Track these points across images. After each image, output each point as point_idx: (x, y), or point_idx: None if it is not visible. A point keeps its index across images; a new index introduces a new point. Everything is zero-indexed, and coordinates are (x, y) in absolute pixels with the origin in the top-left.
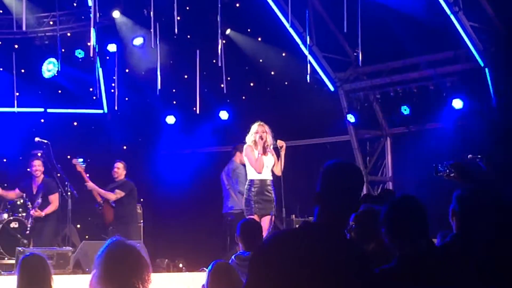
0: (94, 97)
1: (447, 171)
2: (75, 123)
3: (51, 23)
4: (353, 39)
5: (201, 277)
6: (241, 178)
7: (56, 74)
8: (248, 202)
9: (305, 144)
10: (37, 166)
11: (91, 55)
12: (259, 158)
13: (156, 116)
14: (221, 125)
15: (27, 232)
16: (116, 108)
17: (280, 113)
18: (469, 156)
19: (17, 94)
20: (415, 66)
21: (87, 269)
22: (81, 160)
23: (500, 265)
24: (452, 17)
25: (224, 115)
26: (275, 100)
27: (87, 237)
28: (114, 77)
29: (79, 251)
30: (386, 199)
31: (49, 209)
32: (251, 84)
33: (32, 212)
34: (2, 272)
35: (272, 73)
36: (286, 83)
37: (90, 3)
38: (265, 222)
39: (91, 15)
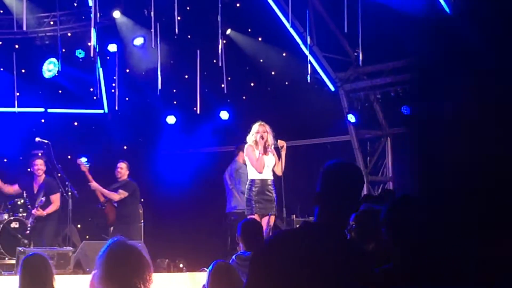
0: (95, 97)
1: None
2: (76, 123)
3: (51, 23)
4: (353, 39)
5: (202, 277)
6: (244, 178)
7: (56, 74)
8: (249, 201)
9: (305, 144)
10: (39, 165)
11: (92, 55)
12: (260, 158)
13: (156, 116)
14: (222, 125)
15: (28, 232)
16: (116, 108)
17: (280, 113)
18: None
19: (18, 94)
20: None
21: (87, 269)
22: (85, 160)
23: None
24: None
25: (224, 115)
26: (275, 100)
27: (87, 237)
28: (114, 77)
29: (80, 251)
30: (386, 199)
31: (51, 209)
32: (252, 84)
33: (34, 211)
34: (3, 272)
35: (273, 73)
36: (286, 83)
37: (91, 3)
38: (266, 222)
39: (92, 15)
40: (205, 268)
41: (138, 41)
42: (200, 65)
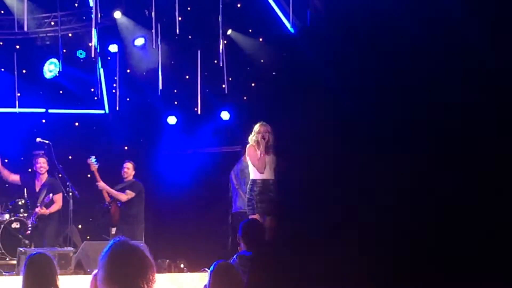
0: (96, 98)
1: None
2: (77, 124)
3: (52, 23)
4: None
5: (203, 277)
6: (248, 179)
7: (57, 75)
8: (250, 201)
9: None
10: (41, 163)
11: (93, 55)
12: (261, 158)
13: (157, 117)
14: (223, 125)
15: (29, 232)
16: (117, 108)
17: None
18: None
19: (19, 94)
20: None
21: (88, 270)
22: (94, 160)
23: None
24: None
25: (225, 115)
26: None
27: (88, 237)
28: (115, 78)
29: (81, 252)
30: None
31: (53, 208)
32: (253, 85)
33: (37, 209)
34: (4, 273)
35: (274, 73)
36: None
37: (91, 3)
38: (267, 222)
39: (93, 16)
40: (206, 269)
41: (139, 41)
42: (201, 66)
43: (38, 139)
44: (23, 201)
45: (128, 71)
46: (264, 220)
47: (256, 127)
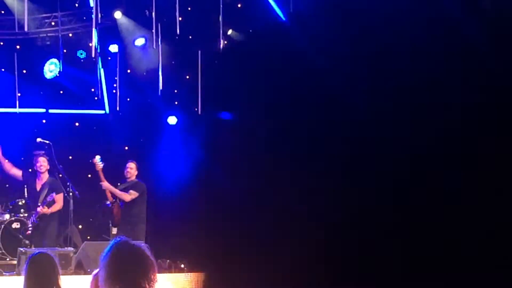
0: (96, 98)
1: None
2: (77, 124)
3: (52, 23)
4: None
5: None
6: None
7: (57, 75)
8: None
9: None
10: (42, 162)
11: (93, 55)
12: None
13: (157, 117)
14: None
15: (29, 232)
16: (117, 108)
17: None
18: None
19: (19, 94)
20: None
21: (88, 270)
22: (99, 160)
23: None
24: None
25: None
26: None
27: (88, 237)
28: (115, 78)
29: (81, 252)
30: None
31: (55, 208)
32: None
33: (39, 208)
34: (4, 273)
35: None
36: None
37: (92, 3)
38: None
39: (93, 16)
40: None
41: (139, 41)
42: (201, 66)
43: (38, 139)
44: (23, 201)
45: (129, 71)
46: None
47: None
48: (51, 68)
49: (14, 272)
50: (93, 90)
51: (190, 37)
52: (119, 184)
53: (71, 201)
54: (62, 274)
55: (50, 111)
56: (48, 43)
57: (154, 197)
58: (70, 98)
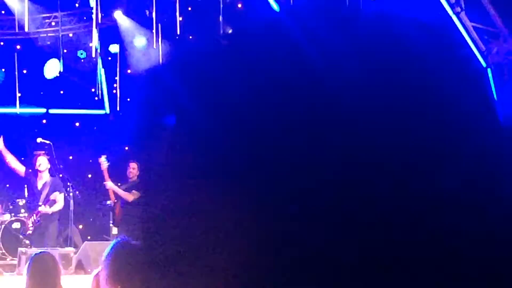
0: (96, 98)
1: None
2: (77, 124)
3: (53, 24)
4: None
5: None
6: None
7: (58, 75)
8: None
9: None
10: (41, 160)
11: (93, 55)
12: None
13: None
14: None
15: (29, 232)
16: (118, 108)
17: None
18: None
19: (19, 94)
20: None
21: (89, 270)
22: (105, 159)
23: None
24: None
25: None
26: None
27: (89, 237)
28: (116, 78)
29: (81, 252)
30: None
31: (56, 207)
32: None
33: (41, 208)
34: (4, 273)
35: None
36: None
37: (92, 4)
38: None
39: (93, 16)
40: None
41: (140, 41)
42: None
43: (39, 139)
44: (23, 201)
45: (129, 71)
46: None
47: None
48: (52, 68)
49: (15, 272)
50: (93, 90)
51: (191, 37)
52: (119, 184)
53: (72, 201)
54: (63, 274)
55: (51, 111)
56: (48, 43)
57: None
58: (70, 98)
